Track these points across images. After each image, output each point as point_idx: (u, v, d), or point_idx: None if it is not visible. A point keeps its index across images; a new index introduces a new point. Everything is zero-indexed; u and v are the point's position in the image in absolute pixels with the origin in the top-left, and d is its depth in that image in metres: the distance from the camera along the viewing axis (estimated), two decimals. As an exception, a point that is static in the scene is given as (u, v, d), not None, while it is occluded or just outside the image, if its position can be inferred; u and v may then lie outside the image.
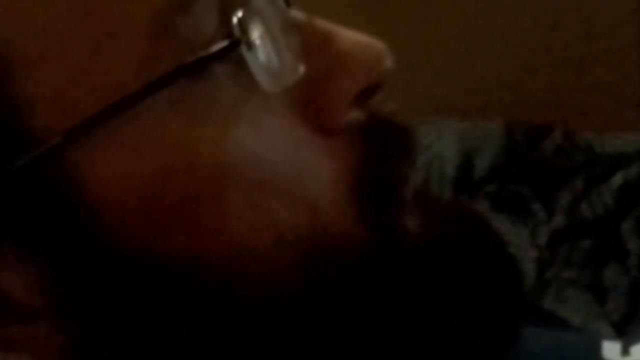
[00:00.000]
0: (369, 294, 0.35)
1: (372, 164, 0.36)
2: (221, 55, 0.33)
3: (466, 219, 0.38)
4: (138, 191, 0.33)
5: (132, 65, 0.32)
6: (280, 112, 0.35)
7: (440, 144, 1.74)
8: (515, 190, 1.69)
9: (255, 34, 0.34)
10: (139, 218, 0.33)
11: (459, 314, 0.36)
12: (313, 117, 0.35)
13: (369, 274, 0.35)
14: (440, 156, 1.72)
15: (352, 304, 0.35)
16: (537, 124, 1.77)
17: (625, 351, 0.43)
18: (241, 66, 0.34)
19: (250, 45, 0.33)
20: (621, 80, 1.85)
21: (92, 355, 0.35)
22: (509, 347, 0.37)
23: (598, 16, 1.84)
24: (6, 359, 0.34)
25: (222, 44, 0.33)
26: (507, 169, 1.72)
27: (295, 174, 0.34)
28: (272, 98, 0.34)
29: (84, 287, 0.34)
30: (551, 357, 0.43)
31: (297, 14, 0.36)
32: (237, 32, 0.33)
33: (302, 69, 0.34)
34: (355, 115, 0.36)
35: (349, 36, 0.36)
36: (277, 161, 0.34)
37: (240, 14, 0.33)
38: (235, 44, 0.33)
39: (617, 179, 1.64)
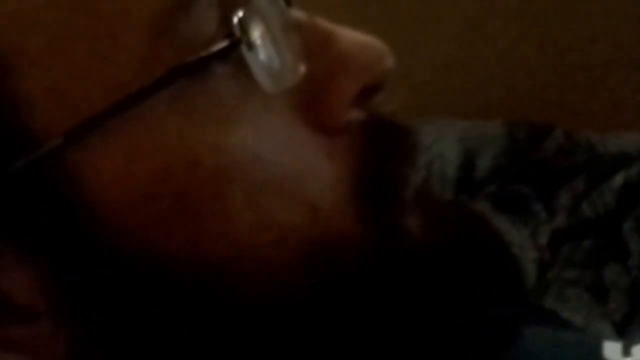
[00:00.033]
0: (369, 294, 0.35)
1: (373, 164, 0.35)
2: (221, 55, 0.33)
3: (467, 219, 0.38)
4: (138, 191, 0.33)
5: (133, 65, 0.32)
6: (280, 112, 0.35)
7: (441, 144, 1.74)
8: (516, 190, 1.68)
9: (256, 33, 0.34)
10: (139, 218, 0.33)
11: (459, 314, 0.36)
12: (313, 117, 0.35)
13: (369, 274, 0.35)
14: (440, 156, 1.72)
15: (352, 304, 0.35)
16: (538, 124, 1.77)
17: (626, 351, 0.43)
18: (241, 66, 0.33)
19: (250, 45, 0.33)
20: (621, 80, 1.85)
21: (92, 356, 0.35)
22: (509, 347, 0.37)
23: (598, 16, 1.84)
24: (6, 359, 0.34)
25: (223, 43, 0.33)
26: (508, 168, 1.72)
27: (296, 174, 0.34)
28: (273, 98, 0.34)
29: (84, 287, 0.34)
30: (552, 357, 0.43)
31: (297, 13, 0.36)
32: (237, 32, 0.33)
33: (302, 69, 0.34)
34: (355, 115, 0.36)
35: (350, 36, 0.36)
36: (277, 161, 0.34)
37: (240, 13, 0.33)
38: (235, 44, 0.33)
39: (618, 179, 1.64)
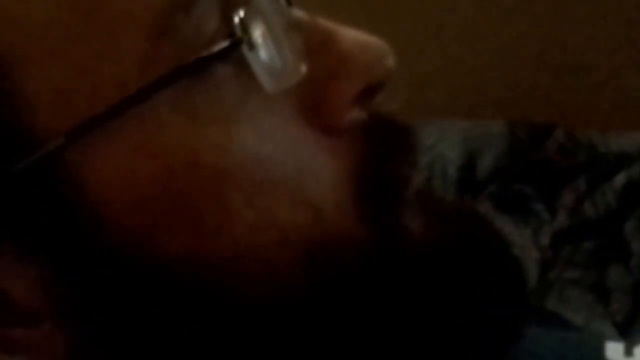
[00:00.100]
0: (369, 293, 0.35)
1: (374, 164, 0.35)
2: (222, 55, 0.33)
3: (468, 219, 0.38)
4: (139, 191, 0.33)
5: (133, 65, 0.32)
6: (281, 112, 0.35)
7: (442, 145, 1.74)
8: (517, 190, 1.68)
9: (257, 33, 0.33)
10: (140, 218, 0.33)
11: (459, 314, 0.36)
12: (315, 116, 0.35)
13: (369, 274, 0.35)
14: (442, 157, 1.72)
15: (352, 304, 0.34)
16: (540, 123, 1.77)
17: (628, 352, 0.43)
18: (242, 66, 0.33)
19: (251, 45, 0.33)
20: (623, 80, 1.85)
21: (92, 356, 0.34)
22: (510, 348, 0.37)
23: (599, 15, 1.84)
24: (6, 360, 0.34)
25: (224, 43, 0.33)
26: (510, 168, 1.72)
27: (297, 174, 0.34)
28: (274, 98, 0.34)
29: (85, 287, 0.34)
30: (554, 357, 0.43)
31: (298, 13, 0.36)
32: (238, 31, 0.33)
33: (303, 68, 0.34)
34: (357, 114, 0.36)
35: (351, 35, 0.36)
36: (278, 161, 0.34)
37: (241, 13, 0.33)
38: (236, 44, 0.33)
39: (620, 179, 1.64)
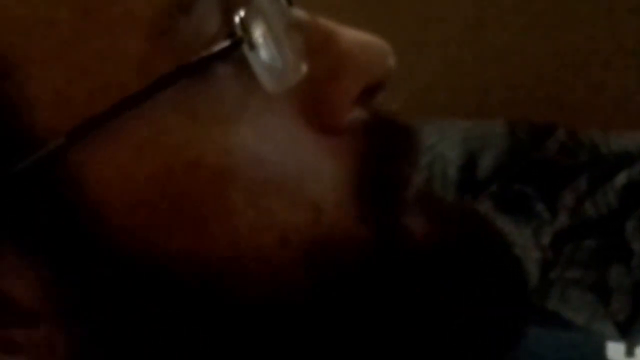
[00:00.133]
0: (369, 293, 0.35)
1: (374, 164, 0.35)
2: (223, 54, 0.33)
3: (469, 219, 0.38)
4: (139, 191, 0.33)
5: (134, 66, 0.32)
6: (282, 111, 0.35)
7: (442, 145, 1.74)
8: (518, 190, 1.68)
9: (258, 33, 0.33)
10: (140, 218, 0.33)
11: (459, 314, 0.36)
12: (315, 116, 0.35)
13: (370, 274, 0.35)
14: (442, 157, 1.72)
15: (352, 304, 0.34)
16: (541, 123, 1.77)
17: (629, 352, 0.43)
18: (243, 66, 0.33)
19: (252, 45, 0.33)
20: (624, 80, 1.85)
21: (93, 357, 0.34)
22: (511, 348, 0.37)
23: (601, 15, 1.84)
24: (6, 361, 0.34)
25: (224, 43, 0.33)
26: (510, 168, 1.72)
27: (297, 174, 0.34)
28: (274, 98, 0.34)
29: (85, 287, 0.34)
30: (555, 357, 0.43)
31: (299, 13, 0.36)
32: (239, 31, 0.33)
33: (304, 68, 0.34)
34: (357, 114, 0.36)
35: (351, 35, 0.36)
36: (279, 161, 0.34)
37: (242, 13, 0.33)
38: (237, 44, 0.33)
39: (621, 178, 1.64)
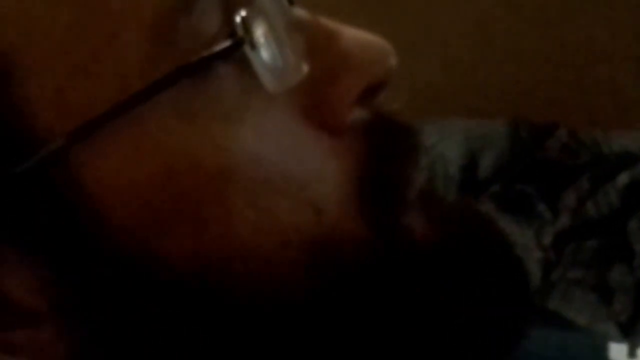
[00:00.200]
0: (370, 293, 0.35)
1: (375, 164, 0.35)
2: (224, 55, 0.33)
3: (471, 219, 0.38)
4: (140, 192, 0.33)
5: (135, 66, 0.32)
6: (283, 111, 0.34)
7: (443, 144, 1.74)
8: (520, 190, 1.68)
9: (259, 33, 0.33)
10: (141, 219, 0.33)
11: (459, 314, 0.36)
12: (316, 116, 0.35)
13: (371, 274, 0.35)
14: (443, 156, 1.72)
15: (354, 304, 0.34)
16: (542, 123, 1.77)
17: (632, 353, 0.43)
18: (244, 66, 0.33)
19: (253, 45, 0.33)
20: (627, 80, 1.84)
21: (93, 357, 0.34)
22: (511, 348, 0.37)
23: (603, 14, 1.84)
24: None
25: (225, 43, 0.33)
26: (512, 168, 1.72)
27: (298, 174, 0.34)
28: (275, 98, 0.34)
29: (85, 288, 0.34)
30: (557, 358, 0.43)
31: (300, 12, 0.36)
32: (240, 31, 0.33)
33: (305, 68, 0.34)
34: (358, 114, 0.36)
35: (353, 35, 0.36)
36: (279, 161, 0.34)
37: (243, 13, 0.33)
38: (238, 44, 0.33)
39: (623, 178, 1.64)
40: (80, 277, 0.33)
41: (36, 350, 0.34)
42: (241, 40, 0.33)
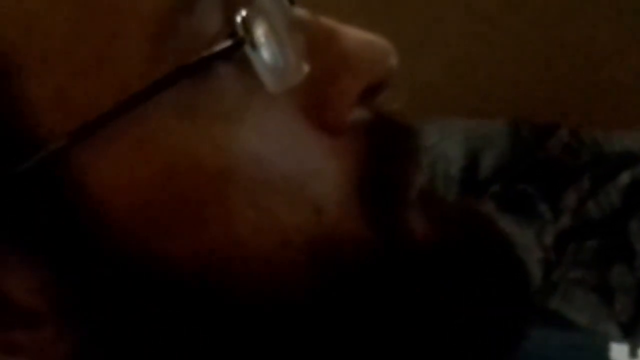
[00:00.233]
0: (371, 294, 0.35)
1: (376, 164, 0.35)
2: (225, 54, 0.33)
3: (472, 219, 0.38)
4: (140, 192, 0.33)
5: (136, 66, 0.32)
6: (284, 111, 0.34)
7: (444, 144, 1.73)
8: (521, 190, 1.68)
9: (260, 33, 0.33)
10: (142, 219, 0.33)
11: (460, 315, 0.36)
12: (317, 116, 0.35)
13: (371, 274, 0.35)
14: (444, 156, 1.72)
15: (354, 304, 0.34)
16: (543, 122, 1.77)
17: (633, 353, 0.43)
18: (245, 66, 0.33)
19: (254, 45, 0.33)
20: (628, 79, 1.84)
21: (94, 357, 0.34)
22: (512, 349, 0.37)
23: (605, 14, 1.84)
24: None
25: (226, 43, 0.33)
26: (513, 168, 1.72)
27: (299, 174, 0.34)
28: (276, 98, 0.34)
29: (85, 288, 0.34)
30: (557, 358, 0.43)
31: (301, 12, 0.36)
32: (241, 31, 0.33)
33: (306, 68, 0.34)
34: (359, 114, 0.36)
35: (353, 34, 0.36)
36: (280, 161, 0.34)
37: (244, 13, 0.33)
38: (239, 44, 0.33)
39: (624, 178, 1.64)
40: (80, 277, 0.33)
41: (36, 351, 0.34)
42: (242, 40, 0.33)
